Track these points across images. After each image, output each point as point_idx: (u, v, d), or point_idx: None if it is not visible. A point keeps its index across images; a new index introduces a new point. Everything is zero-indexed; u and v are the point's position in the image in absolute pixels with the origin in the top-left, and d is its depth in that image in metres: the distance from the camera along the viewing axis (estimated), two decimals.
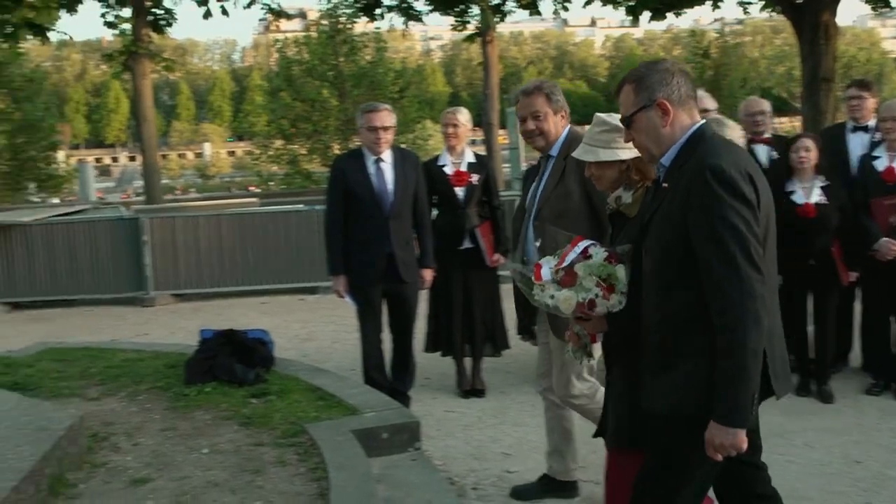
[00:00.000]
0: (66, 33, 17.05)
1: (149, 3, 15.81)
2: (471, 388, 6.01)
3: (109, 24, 16.56)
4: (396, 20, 18.97)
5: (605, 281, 2.92)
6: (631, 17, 17.89)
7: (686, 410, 2.53)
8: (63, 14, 15.88)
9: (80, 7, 16.06)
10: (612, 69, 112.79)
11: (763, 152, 5.94)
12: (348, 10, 25.54)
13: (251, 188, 36.99)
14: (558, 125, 4.03)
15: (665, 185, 2.63)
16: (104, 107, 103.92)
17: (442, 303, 6.01)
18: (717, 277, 2.43)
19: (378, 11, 18.68)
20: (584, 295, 2.89)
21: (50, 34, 16.19)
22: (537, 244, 3.86)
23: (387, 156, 5.26)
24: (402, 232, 5.27)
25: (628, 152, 3.10)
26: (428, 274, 5.54)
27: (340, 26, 26.85)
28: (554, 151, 4.02)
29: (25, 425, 3.93)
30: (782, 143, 5.96)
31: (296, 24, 41.45)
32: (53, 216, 11.38)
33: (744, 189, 2.44)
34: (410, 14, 18.68)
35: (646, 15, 16.89)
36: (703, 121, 2.69)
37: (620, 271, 2.90)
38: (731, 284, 2.40)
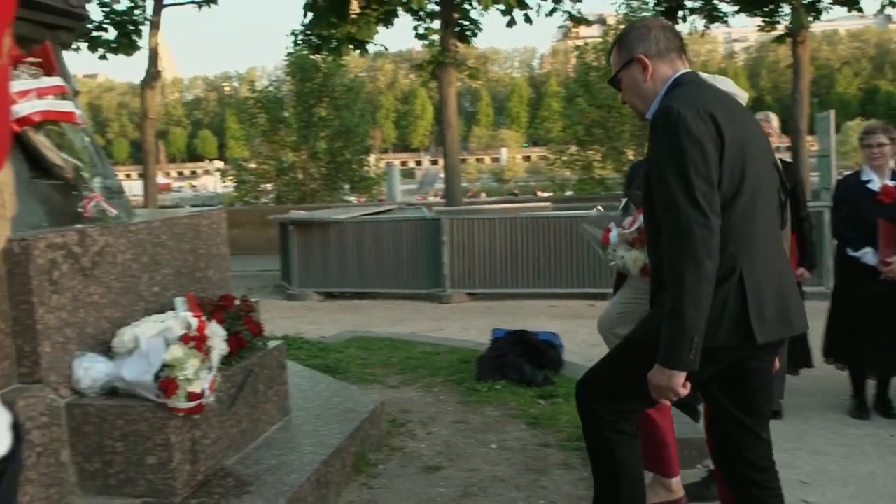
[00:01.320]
0: (382, 45, 18.33)
1: (457, 16, 16.58)
2: None
3: (420, 36, 17.58)
4: (698, 22, 18.35)
5: None
6: None
7: (646, 336, 2.51)
8: (379, 28, 17.13)
9: (395, 21, 17.21)
10: None
11: None
12: (649, 14, 25.21)
13: (539, 193, 37.61)
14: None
15: None
16: (411, 113, 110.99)
17: None
18: (661, 216, 2.40)
19: (681, 14, 18.20)
20: None
21: (368, 47, 17.55)
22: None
23: None
24: None
25: None
26: None
27: None
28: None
29: (336, 405, 4.29)
30: None
31: (594, 31, 41.58)
32: (364, 215, 12.31)
33: (692, 127, 2.34)
34: (715, 16, 18.01)
35: None
36: (686, 70, 2.60)
37: None
38: (670, 223, 2.36)
